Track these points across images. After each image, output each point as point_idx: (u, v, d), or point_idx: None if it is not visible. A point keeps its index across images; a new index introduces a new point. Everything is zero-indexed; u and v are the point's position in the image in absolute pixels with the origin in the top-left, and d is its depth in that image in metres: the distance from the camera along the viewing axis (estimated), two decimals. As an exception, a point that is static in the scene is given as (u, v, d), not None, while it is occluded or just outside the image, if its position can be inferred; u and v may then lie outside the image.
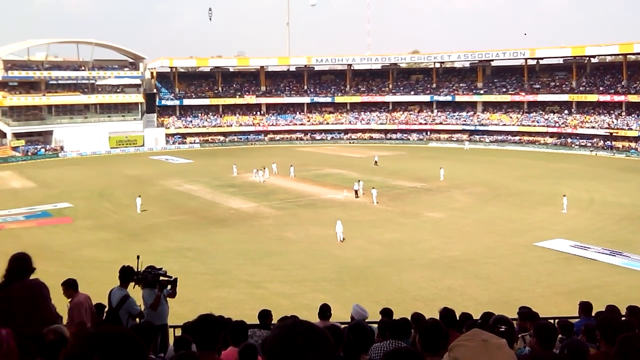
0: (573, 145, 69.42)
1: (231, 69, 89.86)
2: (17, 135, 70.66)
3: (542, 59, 78.52)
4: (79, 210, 38.00)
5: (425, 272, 24.17)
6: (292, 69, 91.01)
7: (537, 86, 77.54)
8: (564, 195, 35.93)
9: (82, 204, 40.02)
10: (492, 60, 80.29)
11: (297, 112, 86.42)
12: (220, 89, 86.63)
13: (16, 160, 66.89)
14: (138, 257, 8.39)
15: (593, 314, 9.21)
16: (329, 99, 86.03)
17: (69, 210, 38.28)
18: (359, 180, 42.26)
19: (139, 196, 37.93)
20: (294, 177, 49.80)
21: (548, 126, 72.98)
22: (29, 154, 69.23)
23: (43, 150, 70.88)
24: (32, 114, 73.53)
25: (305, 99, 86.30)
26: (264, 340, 1.96)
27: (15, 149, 69.29)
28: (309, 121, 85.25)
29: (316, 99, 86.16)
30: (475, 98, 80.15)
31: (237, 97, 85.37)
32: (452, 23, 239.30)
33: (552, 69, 79.48)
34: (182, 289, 9.70)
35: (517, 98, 77.17)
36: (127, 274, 8.28)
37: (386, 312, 9.89)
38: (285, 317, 8.80)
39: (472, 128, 78.07)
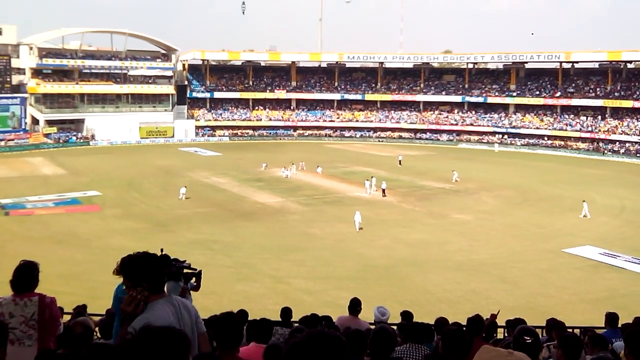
0: (605, 152, 68.04)
1: (262, 63, 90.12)
2: (50, 123, 71.88)
3: (577, 62, 77.09)
4: (107, 199, 38.54)
5: (450, 274, 23.92)
6: (323, 65, 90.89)
7: (571, 90, 76.15)
8: (584, 201, 35.43)
9: (110, 192, 40.58)
10: (526, 62, 79.17)
11: (327, 109, 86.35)
12: (250, 82, 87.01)
13: (48, 147, 68.16)
14: (162, 250, 8.36)
15: (619, 325, 8.99)
16: (359, 97, 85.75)
17: (97, 199, 38.85)
18: (372, 177, 42.59)
19: (185, 186, 39.35)
20: (322, 173, 49.68)
21: (581, 131, 71.66)
22: (61, 141, 70.46)
23: (74, 138, 72.08)
24: (65, 101, 74.78)
25: (336, 96, 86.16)
26: (283, 347, 1.94)
27: (47, 135, 70.56)
28: (338, 118, 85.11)
29: (346, 96, 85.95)
30: (507, 100, 79.02)
31: (268, 91, 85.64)
32: (486, 24, 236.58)
33: (587, 73, 77.95)
34: (207, 281, 9.67)
35: (550, 101, 75.89)
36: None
37: (406, 315, 9.80)
38: (306, 319, 8.74)
39: (504, 130, 77.03)
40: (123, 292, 6.57)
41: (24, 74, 71.74)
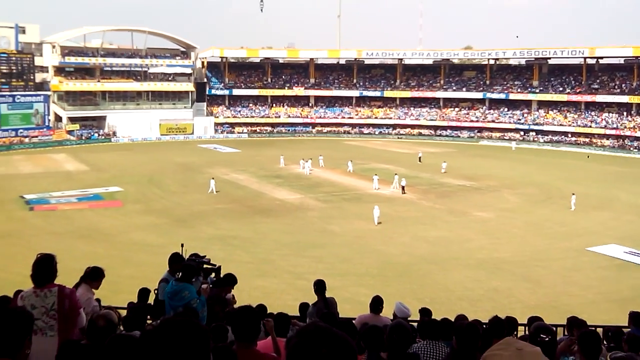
0: (631, 149, 66.90)
1: (281, 60, 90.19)
2: (72, 120, 72.70)
3: (601, 58, 75.88)
4: (129, 195, 38.87)
5: (471, 272, 23.69)
6: (342, 62, 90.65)
7: (596, 86, 74.98)
8: (573, 194, 35.44)
9: (132, 188, 40.91)
10: (549, 58, 77.98)
11: (346, 106, 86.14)
12: (269, 79, 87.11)
13: (71, 143, 68.96)
14: (182, 245, 8.39)
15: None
16: (378, 93, 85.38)
17: (119, 194, 39.20)
18: (395, 174, 42.33)
19: (212, 178, 40.00)
20: (349, 171, 49.21)
21: (606, 127, 70.52)
22: (83, 138, 71.23)
23: (96, 134, 72.82)
24: (87, 99, 75.62)
25: (354, 93, 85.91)
26: (287, 342, 1.93)
27: (70, 132, 71.41)
28: (357, 115, 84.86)
29: (365, 93, 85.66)
30: (530, 96, 78.05)
31: (286, 88, 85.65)
32: (508, 19, 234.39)
33: (612, 68, 76.66)
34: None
35: (574, 98, 74.80)
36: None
37: (425, 312, 9.73)
38: (325, 315, 8.65)
39: (526, 127, 76.16)
40: (173, 286, 6.92)
41: (47, 72, 72.74)
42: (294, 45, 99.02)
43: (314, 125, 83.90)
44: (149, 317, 8.44)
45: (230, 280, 8.58)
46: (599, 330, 9.94)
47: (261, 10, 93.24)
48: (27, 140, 66.73)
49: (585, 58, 75.26)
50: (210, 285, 8.49)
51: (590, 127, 71.79)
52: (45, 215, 33.22)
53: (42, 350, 4.50)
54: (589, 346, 4.34)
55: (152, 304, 8.71)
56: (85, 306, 6.53)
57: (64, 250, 22.88)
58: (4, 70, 66.27)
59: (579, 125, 72.70)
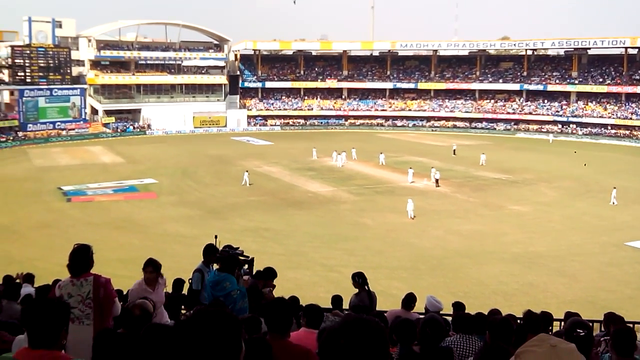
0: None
1: (313, 53, 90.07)
2: (108, 113, 73.96)
3: (643, 48, 73.81)
4: (163, 187, 39.41)
5: (506, 266, 23.35)
6: (376, 53, 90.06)
7: (637, 77, 72.89)
8: (614, 187, 34.57)
9: (166, 180, 41.48)
10: (589, 48, 76.13)
11: (379, 98, 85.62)
12: (302, 72, 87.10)
13: (106, 136, 70.23)
14: (216, 236, 8.47)
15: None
16: (412, 85, 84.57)
17: (154, 186, 39.77)
18: (432, 168, 41.91)
19: (247, 171, 40.44)
20: (380, 164, 48.88)
21: (647, 120, 68.63)
22: (119, 130, 72.45)
23: (131, 127, 73.98)
24: (122, 92, 76.84)
25: (388, 85, 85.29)
26: (319, 334, 1.98)
27: (106, 125, 72.71)
28: (390, 107, 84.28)
29: (399, 85, 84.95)
30: (569, 88, 76.27)
31: (319, 80, 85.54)
32: (546, 8, 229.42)
33: (654, 59, 74.49)
34: (259, 268, 9.69)
35: (614, 89, 72.85)
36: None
37: (458, 306, 9.65)
38: (358, 307, 8.63)
39: (564, 119, 74.49)
40: (215, 276, 7.05)
41: (83, 65, 74.08)
42: (327, 37, 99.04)
43: (346, 117, 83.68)
44: (183, 307, 8.55)
45: (271, 273, 8.68)
46: (638, 326, 9.70)
47: (294, 2, 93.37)
48: (64, 132, 68.22)
49: (626, 48, 73.31)
50: (249, 277, 8.56)
51: (631, 119, 69.93)
52: (82, 207, 33.93)
53: (79, 339, 4.60)
54: (622, 343, 4.25)
55: (186, 294, 8.81)
56: (129, 297, 6.67)
57: (101, 241, 23.34)
58: (42, 64, 67.68)
59: (619, 117, 70.86)
